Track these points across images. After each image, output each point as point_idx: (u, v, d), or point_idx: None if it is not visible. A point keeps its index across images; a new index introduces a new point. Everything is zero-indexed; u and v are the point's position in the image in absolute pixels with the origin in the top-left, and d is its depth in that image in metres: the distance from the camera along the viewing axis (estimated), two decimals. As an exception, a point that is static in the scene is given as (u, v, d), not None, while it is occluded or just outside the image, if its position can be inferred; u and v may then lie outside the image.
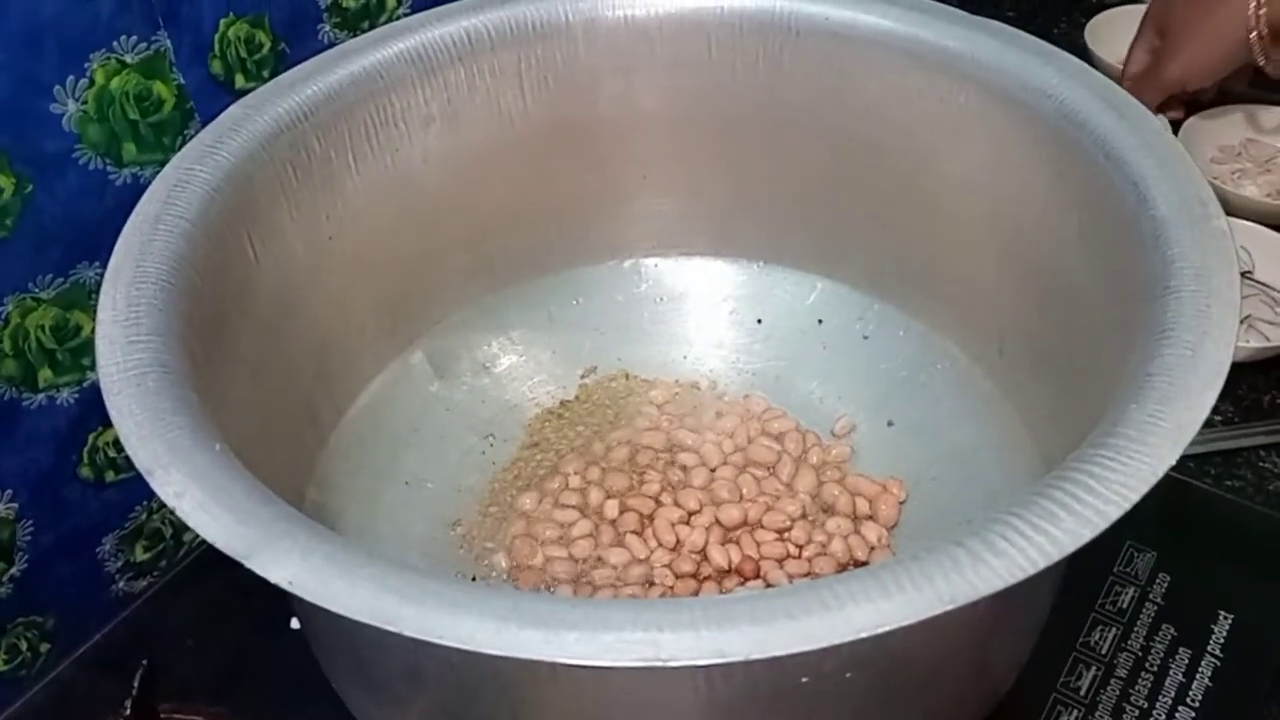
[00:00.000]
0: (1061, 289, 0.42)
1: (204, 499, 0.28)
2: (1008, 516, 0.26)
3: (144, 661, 0.46)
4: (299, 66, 0.44)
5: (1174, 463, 0.28)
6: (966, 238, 0.48)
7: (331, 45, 0.53)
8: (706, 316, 0.55)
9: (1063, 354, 0.43)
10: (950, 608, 0.24)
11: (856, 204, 0.51)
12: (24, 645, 0.56)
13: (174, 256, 0.36)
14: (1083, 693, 0.46)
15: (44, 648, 0.56)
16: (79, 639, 0.53)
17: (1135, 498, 0.27)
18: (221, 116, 0.41)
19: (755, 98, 0.50)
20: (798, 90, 0.50)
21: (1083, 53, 0.76)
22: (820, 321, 0.54)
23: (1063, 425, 0.44)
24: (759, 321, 0.55)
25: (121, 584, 0.59)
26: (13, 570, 0.53)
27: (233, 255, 0.40)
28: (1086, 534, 0.26)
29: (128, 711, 0.45)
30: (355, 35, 0.53)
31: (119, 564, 0.58)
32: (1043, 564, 0.25)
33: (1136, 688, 0.46)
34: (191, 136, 0.49)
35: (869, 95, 0.48)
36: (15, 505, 0.52)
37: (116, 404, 0.31)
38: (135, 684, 0.45)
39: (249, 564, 0.26)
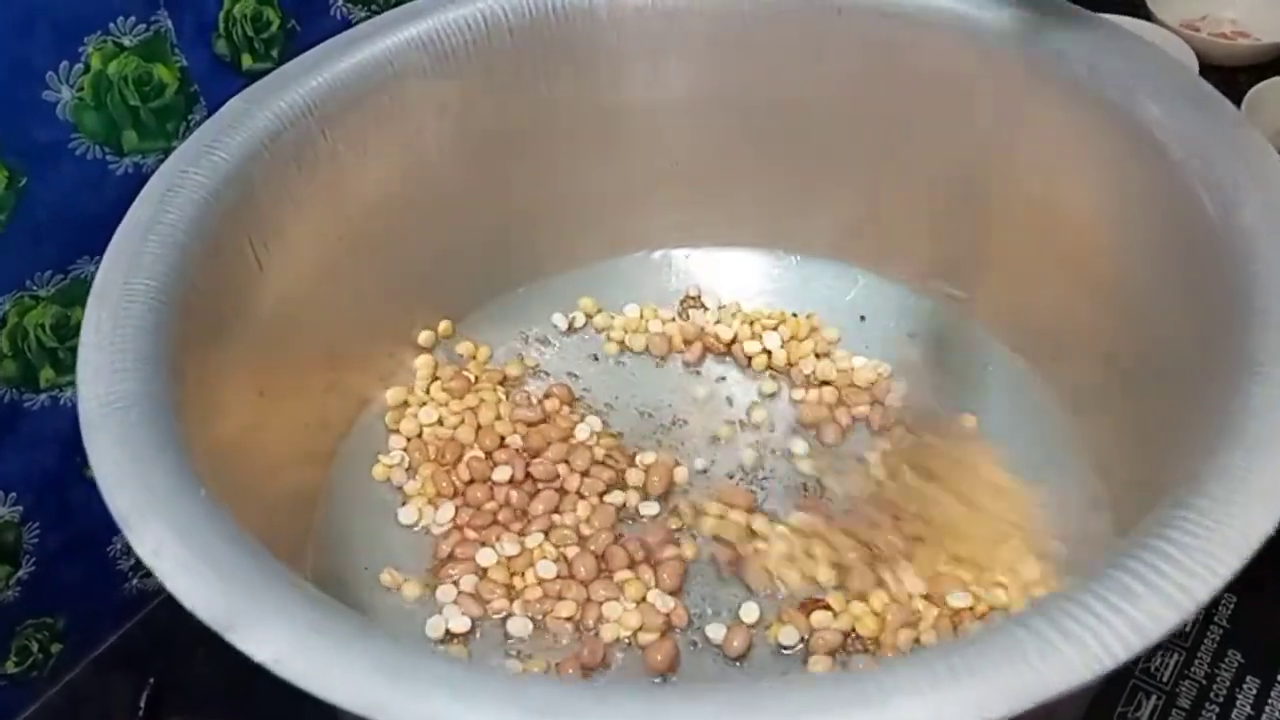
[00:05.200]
0: (1126, 297, 0.39)
1: (185, 557, 0.26)
2: (1079, 594, 0.23)
3: (150, 680, 0.44)
4: (303, 56, 0.41)
5: (1271, 530, 0.24)
6: (1020, 233, 0.45)
7: (345, 23, 0.50)
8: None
9: (1127, 365, 0.39)
10: (1016, 710, 0.21)
11: (902, 194, 0.48)
12: (34, 646, 0.54)
13: (166, 271, 0.34)
14: (1139, 724, 0.43)
15: (55, 648, 0.55)
16: (93, 639, 0.52)
17: (1225, 572, 0.24)
18: (219, 112, 0.39)
19: (794, 81, 0.47)
20: (840, 73, 0.46)
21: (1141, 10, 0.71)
22: (863, 318, 0.51)
23: (1125, 438, 0.41)
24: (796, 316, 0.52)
25: (135, 582, 0.58)
26: (20, 573, 0.51)
27: (232, 264, 0.37)
28: (1171, 617, 0.23)
29: (134, 733, 0.43)
30: (370, 12, 0.50)
31: (131, 562, 0.56)
32: (1122, 655, 0.22)
33: (1200, 719, 0.43)
34: (197, 122, 0.46)
35: (917, 79, 0.45)
36: (20, 508, 0.50)
37: (95, 442, 0.28)
38: (142, 704, 0.44)
39: (229, 637, 0.24)
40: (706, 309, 0.52)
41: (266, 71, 0.43)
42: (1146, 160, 0.37)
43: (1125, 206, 0.39)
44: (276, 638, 0.24)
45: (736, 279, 0.53)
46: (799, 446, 0.47)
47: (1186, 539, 0.24)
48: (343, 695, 0.23)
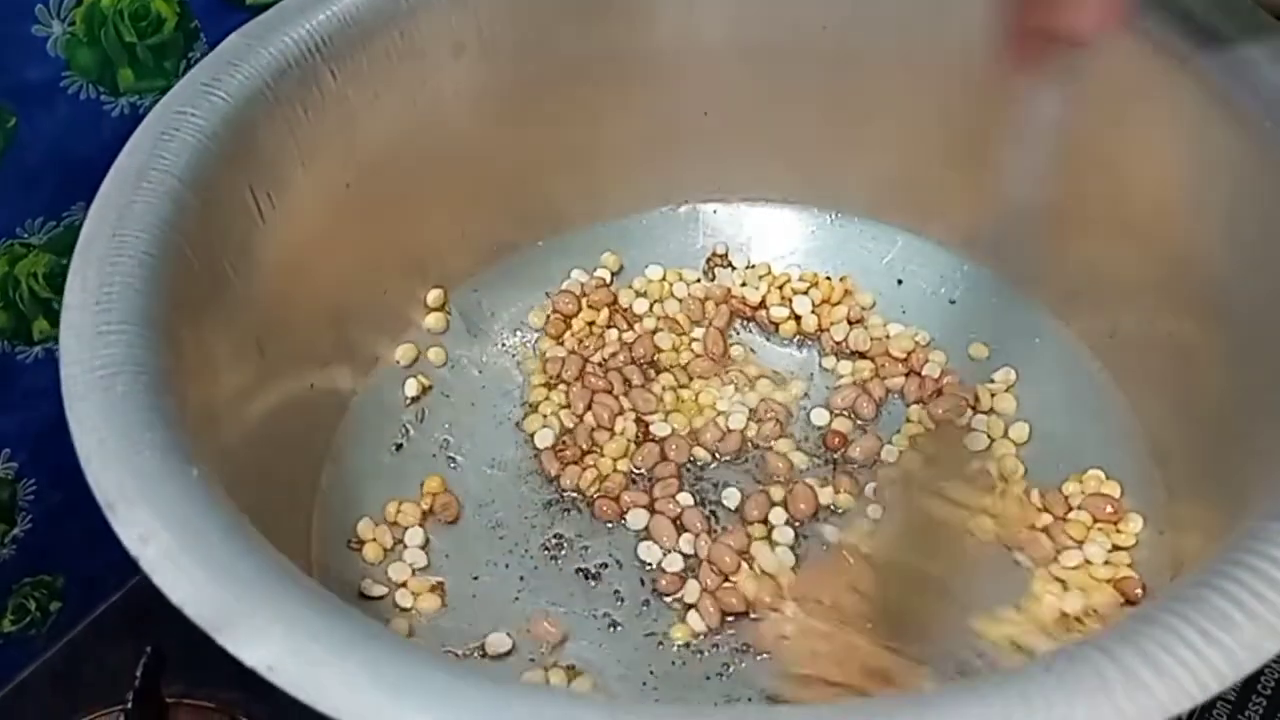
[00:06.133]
0: (1197, 278, 0.36)
1: (173, 546, 0.23)
2: (1168, 618, 0.21)
3: (148, 649, 0.42)
4: (309, -12, 0.38)
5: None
6: (1077, 197, 0.42)
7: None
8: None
9: (1193, 349, 0.37)
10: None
11: (947, 149, 0.45)
12: (32, 605, 0.53)
13: (159, 223, 0.31)
14: (1184, 717, 0.41)
15: (54, 606, 0.54)
16: (93, 599, 0.51)
17: (1334, 595, 0.21)
18: (218, 50, 0.36)
19: (835, 27, 0.43)
20: (887, 16, 0.43)
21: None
22: (900, 282, 0.48)
23: (1184, 425, 0.38)
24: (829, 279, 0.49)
25: (135, 539, 0.56)
26: (15, 531, 0.50)
27: (232, 215, 0.35)
28: (1271, 647, 0.20)
29: (129, 703, 0.41)
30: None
31: (132, 520, 0.55)
32: (1214, 689, 0.20)
33: (1246, 715, 0.41)
34: (197, 59, 0.43)
35: (972, 23, 0.41)
36: (14, 465, 0.48)
37: (79, 414, 0.26)
38: (139, 673, 0.42)
39: (219, 639, 0.22)
40: (734, 268, 0.50)
41: (272, 5, 0.40)
42: (1228, 125, 0.34)
43: (1199, 176, 0.36)
44: (270, 642, 0.21)
45: (767, 237, 0.50)
46: (824, 419, 0.45)
47: (1290, 557, 0.22)
48: (341, 707, 0.20)
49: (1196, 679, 0.20)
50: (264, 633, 0.22)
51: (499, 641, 0.39)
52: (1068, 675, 0.20)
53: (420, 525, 0.42)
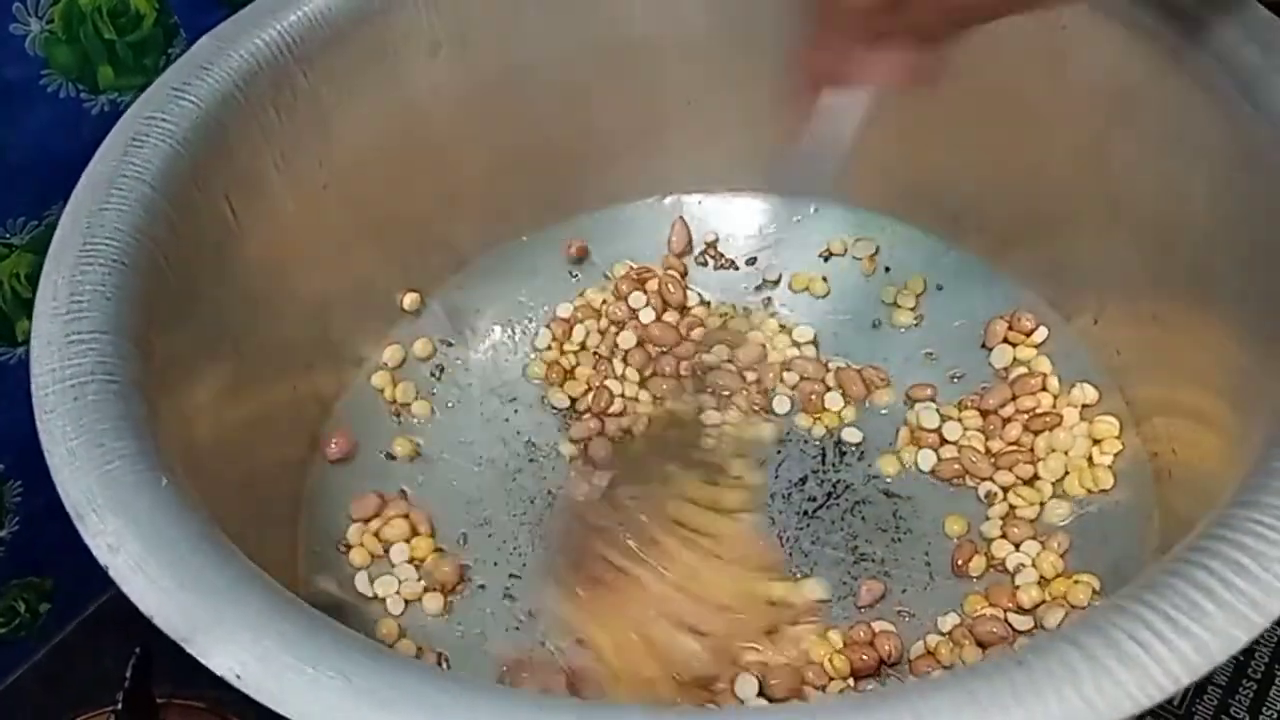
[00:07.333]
0: (1181, 259, 0.35)
1: (143, 555, 0.23)
2: (1137, 607, 0.21)
3: (137, 649, 0.42)
4: (279, -12, 0.38)
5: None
6: (1061, 180, 0.42)
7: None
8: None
9: (1179, 333, 0.37)
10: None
11: (932, 136, 0.45)
12: (21, 607, 0.53)
13: (130, 230, 0.31)
14: (1176, 702, 0.41)
15: (43, 608, 0.54)
16: (82, 600, 0.51)
17: (1305, 584, 0.21)
18: (189, 53, 0.36)
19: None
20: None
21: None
22: (888, 270, 0.48)
23: (1169, 412, 0.38)
24: (816, 269, 0.49)
25: (126, 541, 0.56)
26: (2, 533, 0.50)
27: (205, 220, 0.34)
28: (1241, 636, 0.20)
29: (119, 704, 0.41)
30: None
31: (121, 522, 0.55)
32: (1184, 680, 0.20)
33: (1237, 698, 0.41)
34: (176, 56, 0.43)
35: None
36: (0, 467, 0.48)
37: (48, 424, 0.26)
38: (128, 673, 0.42)
39: (189, 647, 0.22)
40: (724, 256, 0.49)
41: (248, 3, 0.40)
42: (1207, 107, 0.34)
43: (1180, 158, 0.35)
44: (238, 649, 0.21)
45: (750, 227, 0.50)
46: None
47: (1260, 545, 0.22)
48: (309, 713, 0.20)
49: (1166, 670, 0.20)
50: (232, 640, 0.22)
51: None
52: (1038, 668, 0.20)
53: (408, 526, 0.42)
